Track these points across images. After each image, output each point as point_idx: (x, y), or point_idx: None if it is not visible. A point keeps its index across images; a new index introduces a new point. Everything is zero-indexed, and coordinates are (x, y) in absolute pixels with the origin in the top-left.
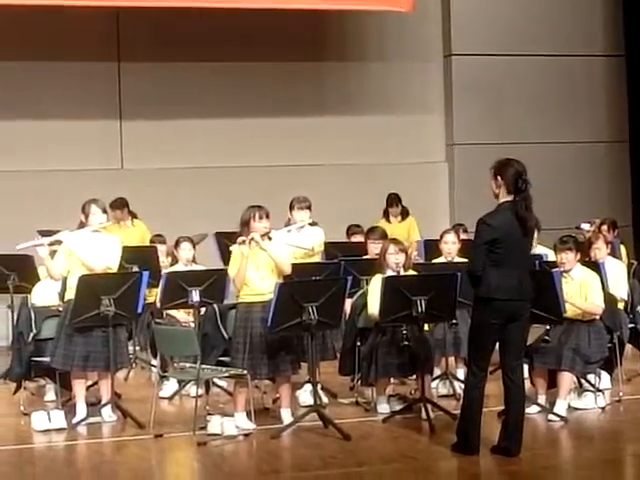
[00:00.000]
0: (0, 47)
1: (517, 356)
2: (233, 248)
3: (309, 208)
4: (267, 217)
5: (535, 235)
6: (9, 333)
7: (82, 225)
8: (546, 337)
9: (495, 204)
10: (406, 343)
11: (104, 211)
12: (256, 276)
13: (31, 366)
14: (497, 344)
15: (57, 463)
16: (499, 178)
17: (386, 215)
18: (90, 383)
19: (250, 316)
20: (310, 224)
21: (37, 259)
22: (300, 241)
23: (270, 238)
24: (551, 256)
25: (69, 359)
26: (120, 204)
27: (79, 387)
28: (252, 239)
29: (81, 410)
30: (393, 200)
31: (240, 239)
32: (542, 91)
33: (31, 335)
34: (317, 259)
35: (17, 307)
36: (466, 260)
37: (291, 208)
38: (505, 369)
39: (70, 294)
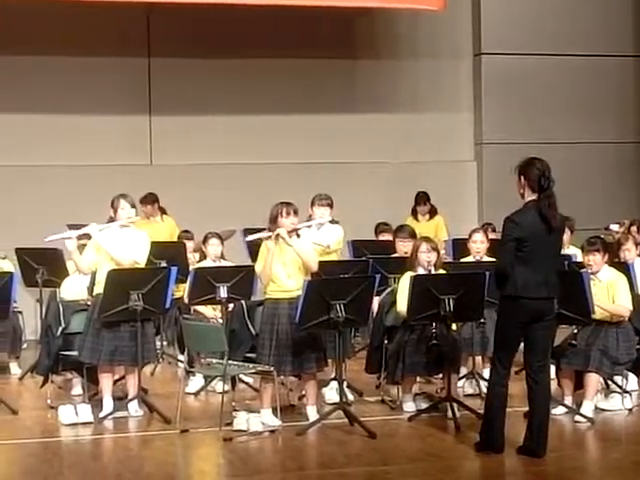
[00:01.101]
0: (31, 42)
1: (542, 356)
2: (261, 246)
3: (330, 205)
4: (295, 213)
5: (567, 235)
6: (37, 327)
7: (111, 219)
8: (573, 339)
9: (522, 203)
10: (435, 342)
11: (133, 206)
12: (283, 272)
13: (59, 360)
14: (522, 344)
15: (83, 457)
16: (522, 178)
17: (414, 213)
18: (117, 378)
19: (277, 312)
20: (330, 222)
21: (66, 254)
22: (317, 238)
23: (299, 235)
24: (580, 256)
25: (96, 353)
26: (151, 199)
27: (106, 381)
28: (278, 235)
29: (108, 404)
30: (421, 198)
31: (266, 234)
32: (571, 91)
33: (59, 329)
34: (334, 257)
35: (46, 301)
36: (494, 259)
37: (312, 204)
38: (529, 369)
39: (98, 288)
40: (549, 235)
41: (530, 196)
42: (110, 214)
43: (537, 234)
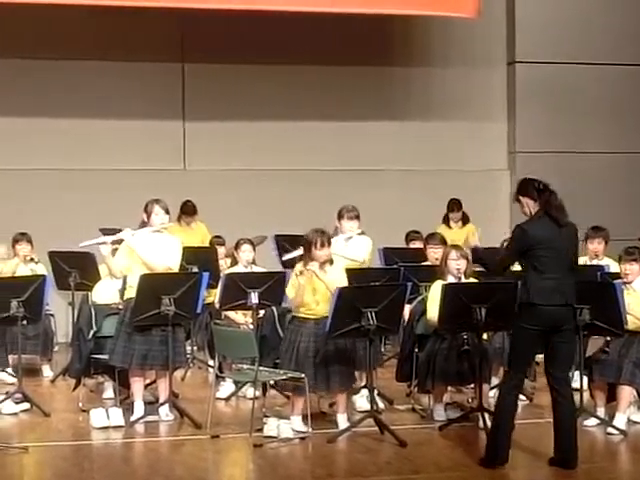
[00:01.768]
0: (67, 47)
1: (563, 368)
2: (293, 274)
3: (358, 217)
4: (329, 244)
5: (602, 245)
6: (69, 330)
7: (144, 224)
8: (606, 349)
9: None
10: (467, 347)
11: (167, 212)
12: (312, 299)
13: (90, 363)
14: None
15: (114, 460)
16: (522, 198)
17: (446, 221)
18: (148, 382)
19: (300, 330)
20: (358, 234)
21: (99, 257)
22: (351, 253)
23: (331, 262)
24: (613, 267)
25: (128, 357)
26: (193, 210)
27: (137, 385)
28: (310, 270)
29: (139, 408)
30: (454, 205)
31: (298, 269)
32: (606, 100)
33: (91, 332)
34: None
35: (78, 304)
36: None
37: (340, 217)
38: (551, 381)
39: (130, 293)
40: (559, 240)
41: (535, 208)
42: (143, 218)
43: (547, 240)
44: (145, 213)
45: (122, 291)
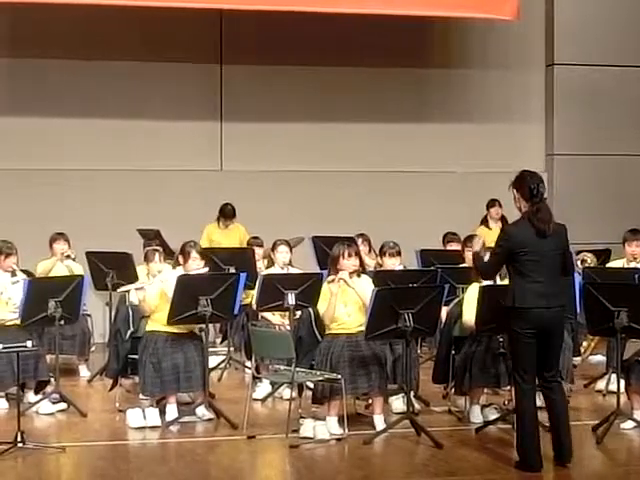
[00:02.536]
0: (105, 47)
1: (552, 368)
2: (323, 286)
3: (400, 254)
4: (357, 254)
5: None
6: (106, 330)
7: (178, 263)
8: None
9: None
10: (502, 351)
11: (202, 257)
12: (344, 312)
13: (127, 363)
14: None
15: (151, 460)
16: (516, 191)
17: (485, 222)
18: None
19: (332, 344)
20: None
21: (136, 257)
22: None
23: (359, 275)
24: None
25: (157, 387)
26: (232, 213)
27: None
28: (340, 279)
29: (171, 411)
30: (494, 201)
31: (329, 278)
32: None
33: (128, 333)
34: None
35: (115, 305)
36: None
37: (382, 254)
38: (542, 381)
39: (152, 326)
40: (543, 245)
41: (525, 207)
42: (178, 258)
43: (531, 244)
44: (182, 255)
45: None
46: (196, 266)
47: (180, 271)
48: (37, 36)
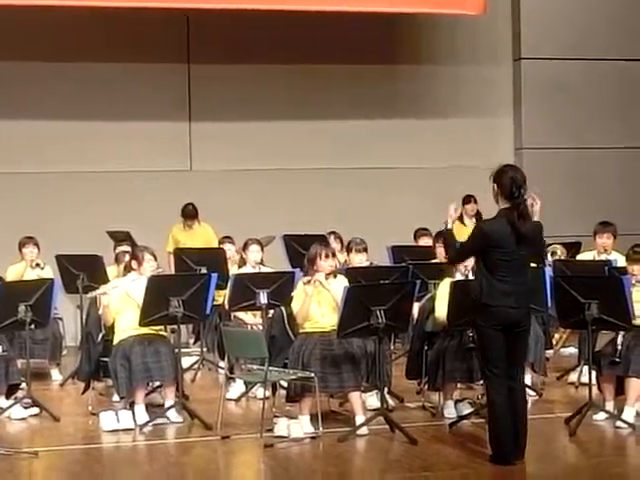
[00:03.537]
0: (72, 50)
1: (516, 363)
2: (297, 288)
3: (366, 250)
4: (333, 256)
5: (610, 240)
6: (78, 333)
7: (131, 268)
8: (616, 360)
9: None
10: (471, 346)
11: (155, 258)
12: (318, 312)
13: (100, 366)
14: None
15: (125, 463)
16: (496, 185)
17: (460, 218)
18: (157, 384)
19: (304, 342)
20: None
21: (106, 259)
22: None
23: (336, 276)
24: (621, 261)
25: (130, 382)
26: (193, 213)
27: (138, 393)
28: (316, 280)
29: (140, 412)
30: (471, 198)
31: (305, 279)
32: (612, 95)
33: (100, 335)
34: None
35: (86, 307)
36: (536, 265)
37: (349, 251)
38: (505, 376)
39: (120, 336)
40: (518, 244)
41: (503, 204)
42: (131, 264)
43: (505, 242)
44: (135, 261)
45: (109, 337)
46: (151, 268)
47: (134, 276)
48: (0, 39)
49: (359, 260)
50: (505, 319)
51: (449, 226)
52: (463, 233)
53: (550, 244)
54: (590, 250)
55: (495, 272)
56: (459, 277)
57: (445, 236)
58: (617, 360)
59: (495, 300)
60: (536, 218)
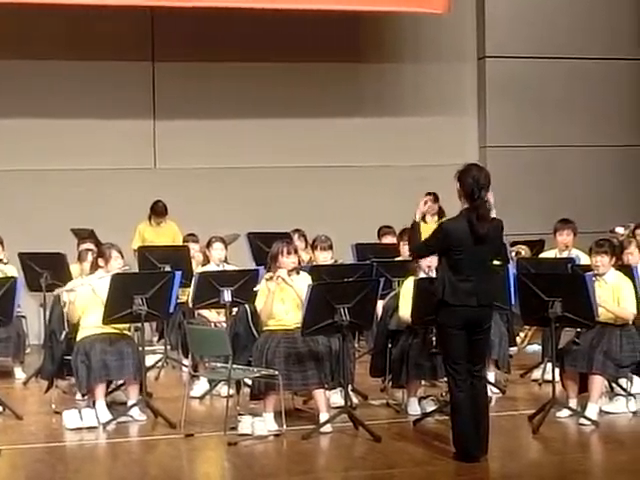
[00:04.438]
0: (35, 46)
1: (478, 362)
2: (260, 284)
3: (331, 247)
4: (295, 252)
5: (571, 237)
6: (41, 331)
7: (97, 266)
8: (576, 340)
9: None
10: (435, 351)
11: (122, 255)
12: (281, 309)
13: (63, 364)
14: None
15: (88, 461)
16: (458, 185)
17: (422, 215)
18: (120, 382)
19: (268, 340)
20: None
21: (70, 258)
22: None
23: (298, 272)
24: (583, 259)
25: (91, 379)
26: (163, 210)
27: (98, 389)
28: (279, 277)
29: (100, 408)
30: (431, 199)
31: (268, 275)
32: (577, 94)
33: (63, 334)
34: None
35: (49, 305)
36: (500, 263)
37: (314, 248)
38: (468, 374)
39: (83, 333)
40: (477, 245)
41: (465, 203)
42: (98, 262)
43: (466, 243)
44: (102, 258)
45: (73, 334)
46: (118, 265)
47: (101, 273)
48: None
49: (324, 258)
50: (467, 318)
51: (417, 219)
52: (425, 231)
53: (514, 243)
54: (552, 248)
55: (457, 271)
56: (423, 276)
57: (412, 228)
58: (577, 341)
59: (457, 299)
60: (493, 213)
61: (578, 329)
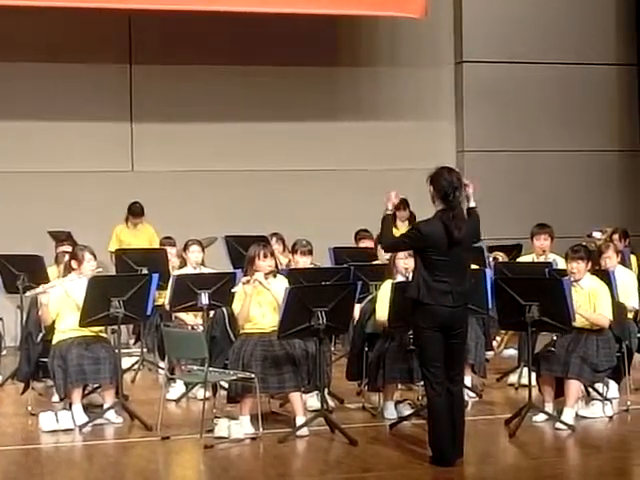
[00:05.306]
0: (11, 48)
1: (455, 366)
2: (237, 287)
3: (311, 252)
4: (272, 255)
5: (548, 241)
6: (18, 333)
7: (71, 268)
8: (553, 345)
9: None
10: (412, 347)
11: (95, 257)
12: (258, 312)
13: (39, 366)
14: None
15: (64, 464)
16: (431, 188)
17: (393, 220)
18: (96, 385)
19: (244, 343)
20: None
21: (47, 259)
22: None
23: (275, 275)
24: (561, 263)
25: (68, 382)
26: (140, 211)
27: (75, 392)
28: (256, 280)
29: (77, 412)
30: (401, 204)
31: (244, 279)
32: (554, 99)
33: (40, 336)
34: None
35: (26, 308)
36: (477, 267)
37: (294, 252)
38: (444, 378)
39: (59, 337)
40: (453, 246)
41: (439, 205)
42: (71, 264)
43: (441, 245)
44: (75, 260)
45: (49, 337)
46: (91, 267)
47: (74, 276)
48: None
49: (304, 262)
50: (443, 318)
51: (389, 211)
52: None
53: (492, 247)
54: (530, 253)
55: (433, 272)
56: (400, 279)
57: (384, 219)
58: (552, 349)
59: (433, 299)
60: (472, 203)
61: (554, 337)
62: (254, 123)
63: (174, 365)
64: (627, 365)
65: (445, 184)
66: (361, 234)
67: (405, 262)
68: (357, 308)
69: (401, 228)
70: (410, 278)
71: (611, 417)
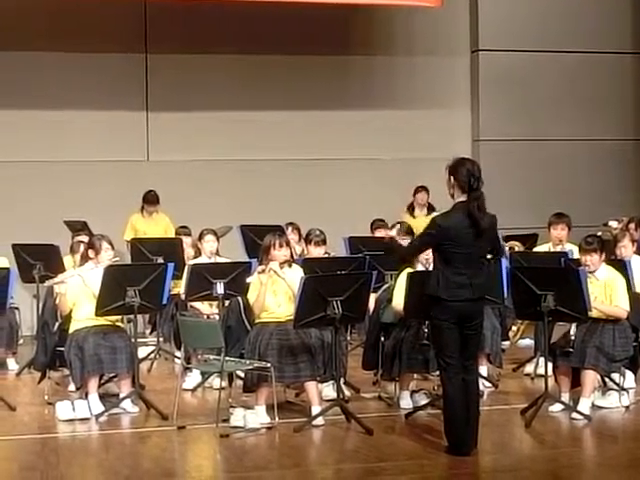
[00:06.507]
0: (30, 38)
1: (470, 356)
2: (252, 277)
3: (325, 242)
4: (287, 245)
5: (565, 231)
6: (34, 323)
7: (88, 257)
8: (570, 336)
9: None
10: (426, 342)
11: (113, 247)
12: (273, 302)
13: (56, 356)
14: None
15: (80, 453)
16: (452, 178)
17: (410, 209)
18: (112, 375)
19: (260, 332)
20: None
21: (62, 249)
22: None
23: (290, 265)
24: (577, 253)
25: (85, 371)
26: (155, 199)
27: (91, 381)
28: (271, 269)
29: (93, 401)
30: (422, 188)
31: (260, 268)
32: (569, 88)
33: (56, 325)
34: None
35: (43, 297)
36: (490, 257)
37: (308, 242)
38: (460, 368)
39: (75, 325)
40: (476, 238)
41: (459, 197)
42: (88, 253)
43: (463, 236)
44: (92, 250)
45: (65, 325)
46: (108, 257)
47: (92, 265)
48: None
49: (318, 252)
50: (460, 312)
51: (393, 234)
52: (413, 224)
53: (507, 237)
54: (546, 243)
55: (451, 265)
56: (420, 268)
57: (391, 244)
58: (570, 350)
59: (451, 293)
60: None
61: (572, 333)
62: (269, 112)
63: (190, 354)
64: None
65: (468, 173)
66: (377, 223)
67: (426, 252)
68: (372, 297)
69: (418, 217)
70: (430, 268)
71: (627, 407)
